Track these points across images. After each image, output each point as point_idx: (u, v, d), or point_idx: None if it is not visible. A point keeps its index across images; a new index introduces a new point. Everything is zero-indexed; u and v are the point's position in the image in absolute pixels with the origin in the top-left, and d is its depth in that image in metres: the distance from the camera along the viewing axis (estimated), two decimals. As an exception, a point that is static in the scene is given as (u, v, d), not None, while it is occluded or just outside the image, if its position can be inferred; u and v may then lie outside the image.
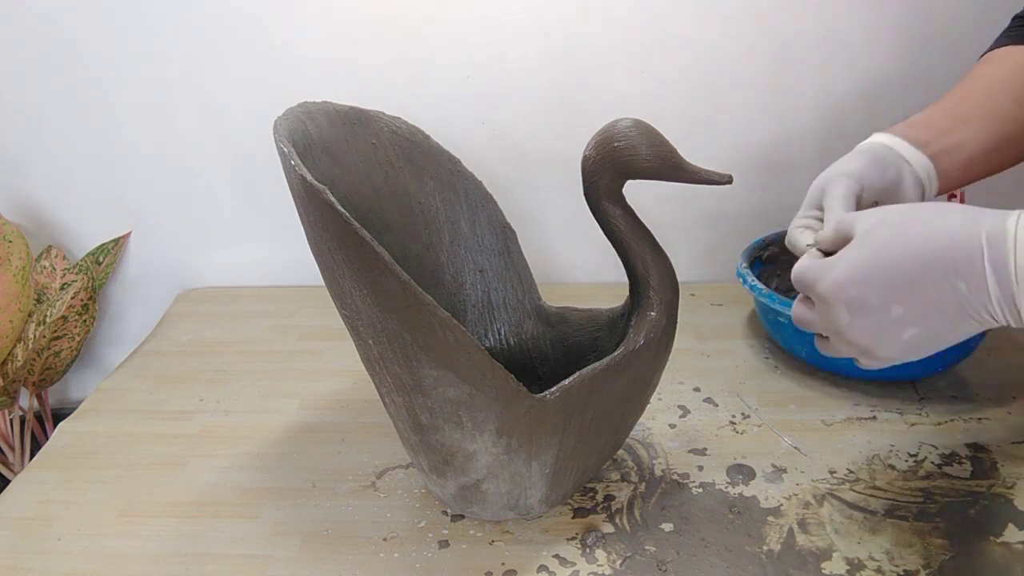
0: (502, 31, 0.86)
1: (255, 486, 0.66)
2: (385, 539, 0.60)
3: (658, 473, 0.65)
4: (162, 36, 0.88)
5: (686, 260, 0.98)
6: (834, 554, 0.57)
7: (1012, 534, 0.58)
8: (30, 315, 0.90)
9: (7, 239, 0.88)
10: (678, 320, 0.58)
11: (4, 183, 0.98)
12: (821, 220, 0.56)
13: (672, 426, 0.71)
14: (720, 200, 0.94)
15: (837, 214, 0.52)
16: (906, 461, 0.66)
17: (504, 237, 0.69)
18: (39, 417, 1.01)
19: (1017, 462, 0.65)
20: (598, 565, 0.57)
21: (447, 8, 0.85)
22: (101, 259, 0.98)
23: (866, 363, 0.50)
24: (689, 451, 0.68)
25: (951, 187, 0.62)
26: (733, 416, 0.72)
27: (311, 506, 0.64)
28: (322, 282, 0.53)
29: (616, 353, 0.55)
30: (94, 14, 0.87)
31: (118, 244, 0.99)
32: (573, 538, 0.59)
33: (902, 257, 0.44)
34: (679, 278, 0.58)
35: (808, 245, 0.54)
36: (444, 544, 0.59)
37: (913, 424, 0.70)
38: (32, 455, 0.75)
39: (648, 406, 0.64)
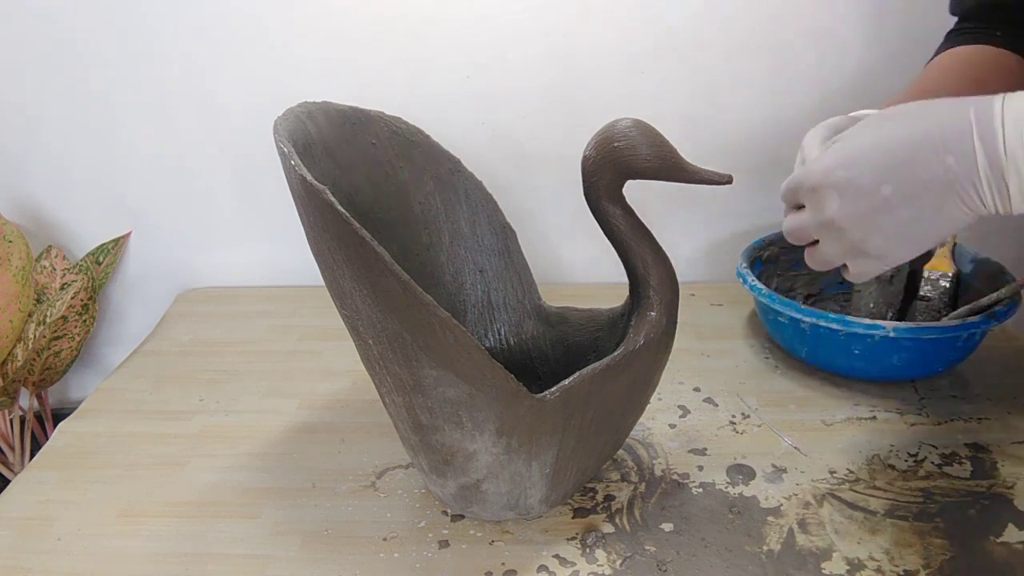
0: (502, 31, 0.86)
1: (255, 486, 0.66)
2: (385, 539, 0.60)
3: (658, 473, 0.65)
4: (162, 36, 0.88)
5: (686, 260, 0.98)
6: (834, 554, 0.57)
7: (1012, 534, 0.58)
8: (30, 315, 0.90)
9: (7, 239, 0.88)
10: (678, 320, 0.58)
11: (4, 183, 0.98)
12: None
13: (672, 426, 0.71)
14: (720, 200, 0.94)
15: (816, 152, 0.52)
16: (906, 461, 0.66)
17: (504, 237, 0.69)
18: (39, 417, 1.01)
19: (1017, 462, 0.65)
20: (598, 565, 0.57)
21: (447, 8, 0.85)
22: (101, 259, 0.98)
23: (855, 268, 0.49)
24: (689, 451, 0.68)
25: None
26: (733, 416, 0.72)
27: (311, 506, 0.64)
28: (322, 282, 0.53)
29: (616, 353, 0.55)
30: (94, 14, 0.87)
31: (118, 244, 0.99)
32: (573, 538, 0.59)
33: (891, 138, 0.44)
34: (679, 278, 0.58)
35: None
36: (444, 544, 0.59)
37: (913, 424, 0.70)
38: (32, 455, 0.75)
39: (648, 406, 0.64)
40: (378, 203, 0.64)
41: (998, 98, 0.42)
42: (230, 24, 0.87)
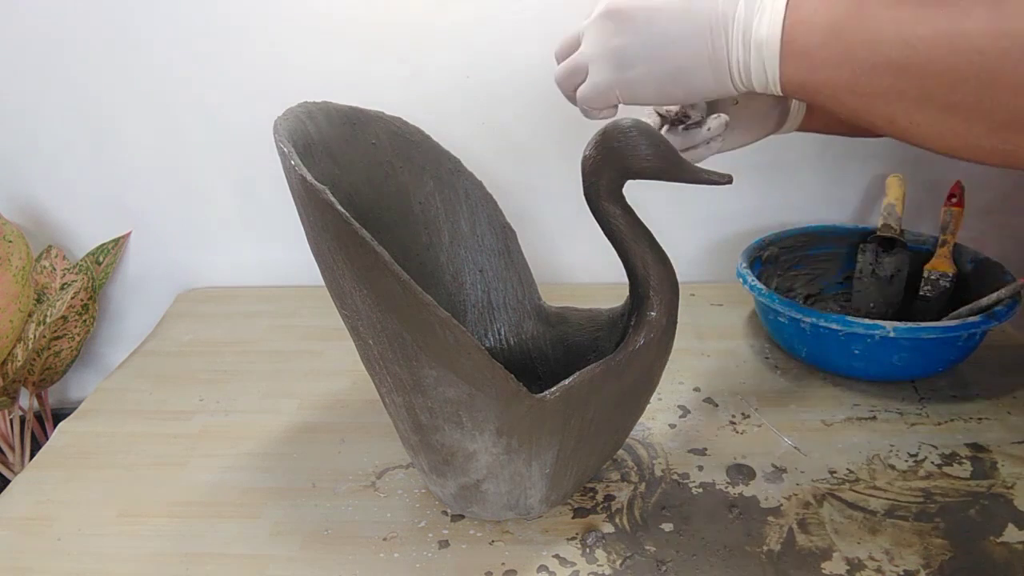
0: (502, 31, 0.86)
1: (255, 486, 0.66)
2: (385, 539, 0.60)
3: (658, 473, 0.65)
4: (162, 36, 0.88)
5: (686, 260, 0.98)
6: (834, 554, 0.57)
7: (1012, 534, 0.58)
8: (30, 315, 0.90)
9: (7, 239, 0.88)
10: (678, 320, 0.58)
11: (4, 183, 0.98)
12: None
13: (672, 426, 0.71)
14: (720, 200, 0.94)
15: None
16: (906, 461, 0.66)
17: (504, 237, 0.69)
18: (39, 417, 1.01)
19: (1017, 462, 0.65)
20: (598, 565, 0.57)
21: (447, 8, 0.85)
22: (101, 259, 0.98)
23: (598, 77, 0.50)
24: (689, 451, 0.68)
25: (812, 123, 0.65)
26: (733, 416, 0.72)
27: (311, 506, 0.64)
28: (322, 282, 0.53)
29: (616, 353, 0.55)
30: (94, 14, 0.87)
31: (118, 244, 0.99)
32: (573, 538, 0.59)
33: None
34: (679, 278, 0.58)
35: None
36: (444, 544, 0.59)
37: (913, 424, 0.70)
38: (32, 455, 0.75)
39: (648, 406, 0.64)
40: (378, 203, 0.64)
41: None
42: (230, 24, 0.87)
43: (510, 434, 0.53)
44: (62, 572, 0.58)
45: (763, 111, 0.61)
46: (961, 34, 0.39)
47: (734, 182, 0.53)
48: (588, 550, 0.58)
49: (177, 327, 0.92)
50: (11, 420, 0.95)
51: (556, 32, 0.88)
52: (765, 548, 0.57)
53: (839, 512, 0.61)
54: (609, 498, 0.63)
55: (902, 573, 0.55)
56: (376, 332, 0.50)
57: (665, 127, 0.58)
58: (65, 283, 0.95)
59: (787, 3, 0.44)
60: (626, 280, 0.58)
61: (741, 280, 0.79)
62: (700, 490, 0.63)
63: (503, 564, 0.57)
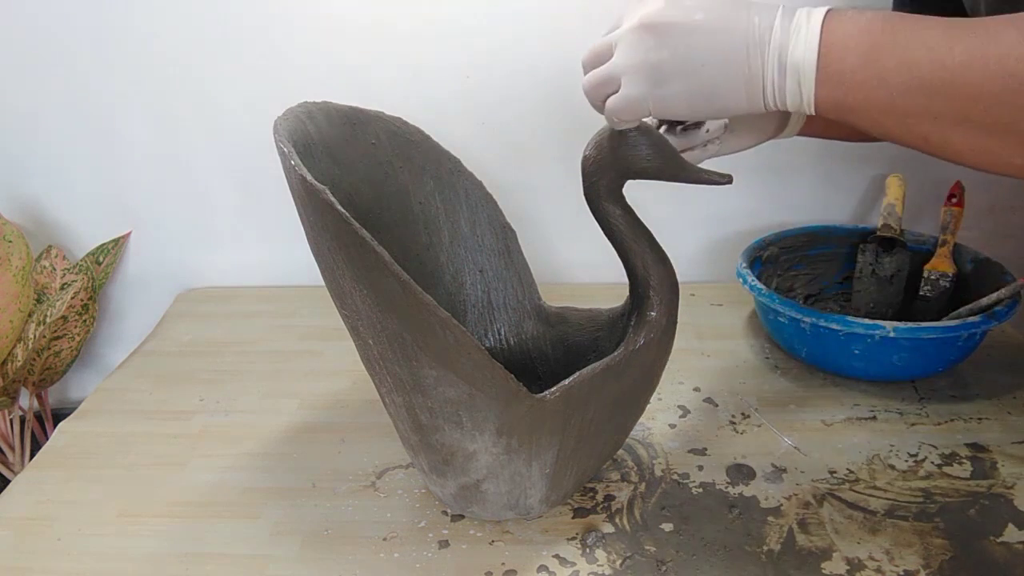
0: (502, 31, 0.86)
1: (255, 486, 0.66)
2: (385, 539, 0.60)
3: (658, 473, 0.65)
4: (162, 36, 0.88)
5: (686, 260, 0.98)
6: (834, 554, 0.57)
7: (1012, 534, 0.58)
8: (30, 315, 0.90)
9: (7, 239, 0.88)
10: (678, 320, 0.58)
11: (4, 183, 0.98)
12: None
13: (672, 426, 0.71)
14: (720, 200, 0.94)
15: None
16: (906, 461, 0.66)
17: (504, 237, 0.69)
18: (39, 417, 1.01)
19: (1017, 462, 0.65)
20: (598, 565, 0.57)
21: (447, 8, 0.85)
22: (101, 259, 0.98)
23: (635, 106, 0.49)
24: (689, 451, 0.68)
25: (811, 129, 0.65)
26: (733, 416, 0.72)
27: (311, 506, 0.64)
28: (322, 282, 0.53)
29: (616, 353, 0.55)
30: (94, 14, 0.87)
31: (118, 244, 0.99)
32: (573, 538, 0.59)
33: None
34: (679, 278, 0.58)
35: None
36: (444, 544, 0.59)
37: (913, 424, 0.70)
38: (32, 455, 0.75)
39: (648, 406, 0.64)
40: (378, 203, 0.64)
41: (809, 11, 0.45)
42: (230, 24, 0.87)
43: (510, 434, 0.53)
44: (62, 572, 0.58)
45: (763, 116, 0.61)
46: (993, 57, 0.39)
47: (734, 182, 0.53)
48: (588, 550, 0.58)
49: (177, 327, 0.92)
50: (11, 420, 0.95)
51: (557, 32, 0.89)
52: (765, 548, 0.57)
53: (839, 512, 0.60)
54: (609, 498, 0.63)
55: (902, 573, 0.55)
56: (376, 332, 0.50)
57: (663, 128, 0.57)
58: (65, 283, 0.95)
59: (823, 26, 0.44)
60: (626, 280, 0.58)
61: (741, 280, 0.79)
62: (700, 490, 0.63)
63: (503, 564, 0.57)
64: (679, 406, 0.74)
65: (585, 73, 0.51)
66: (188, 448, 0.71)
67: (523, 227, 0.71)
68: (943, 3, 0.61)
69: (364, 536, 0.60)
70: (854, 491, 0.63)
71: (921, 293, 0.81)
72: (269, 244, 1.00)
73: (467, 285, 0.69)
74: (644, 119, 0.51)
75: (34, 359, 0.91)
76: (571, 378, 0.53)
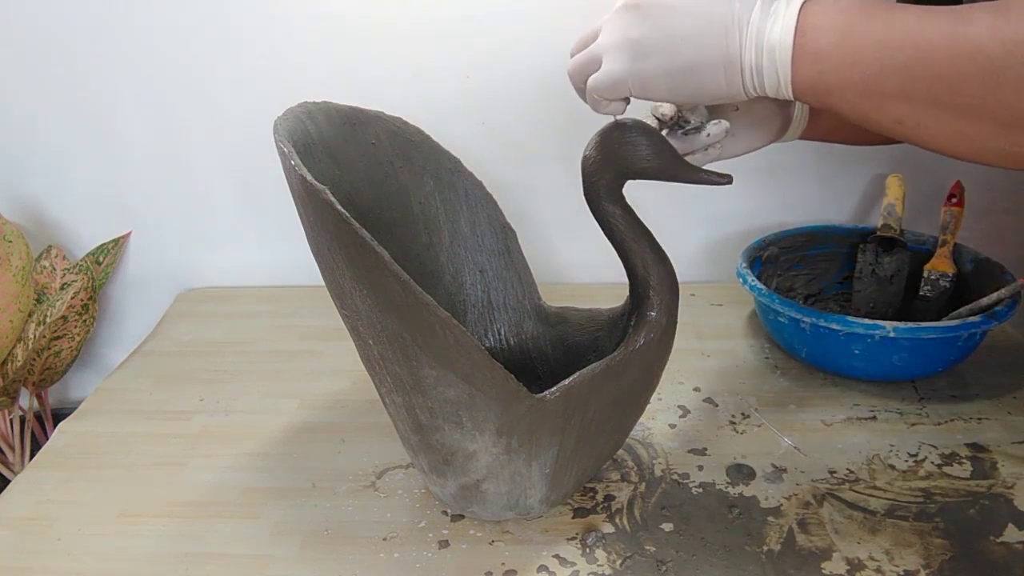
0: (502, 31, 0.86)
1: (255, 486, 0.66)
2: (385, 539, 0.60)
3: (658, 473, 0.65)
4: (162, 36, 0.88)
5: (686, 260, 0.98)
6: (834, 554, 0.57)
7: (1012, 534, 0.58)
8: (30, 315, 0.90)
9: (7, 239, 0.88)
10: (678, 320, 0.58)
11: (4, 183, 0.98)
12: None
13: (672, 426, 0.71)
14: (720, 200, 0.94)
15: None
16: (906, 461, 0.66)
17: (504, 237, 0.69)
18: (39, 417, 1.01)
19: (1017, 462, 0.65)
20: (598, 565, 0.57)
21: (447, 8, 0.85)
22: (101, 259, 0.98)
23: (615, 82, 0.50)
24: (689, 451, 0.68)
25: (814, 131, 0.65)
26: (733, 416, 0.72)
27: (311, 506, 0.64)
28: (322, 282, 0.53)
29: (616, 353, 0.55)
30: (93, 14, 0.87)
31: (118, 244, 0.99)
32: (573, 538, 0.59)
33: None
34: (679, 278, 0.58)
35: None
36: (444, 544, 0.59)
37: (913, 424, 0.70)
38: (32, 455, 0.75)
39: (648, 406, 0.64)
40: (378, 203, 0.64)
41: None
42: (230, 24, 0.87)
43: (510, 434, 0.53)
44: (62, 572, 0.58)
45: (764, 118, 0.61)
46: (966, 37, 0.40)
47: (734, 182, 0.53)
48: (588, 550, 0.58)
49: (177, 327, 0.92)
50: (11, 420, 0.95)
51: (556, 32, 0.89)
52: (765, 548, 0.57)
53: (839, 512, 0.61)
54: (609, 498, 0.63)
55: (902, 573, 0.55)
56: (376, 332, 0.50)
57: (664, 131, 0.57)
58: (65, 283, 0.95)
59: (800, 8, 0.45)
60: (626, 280, 0.58)
61: (741, 280, 0.79)
62: (700, 490, 0.63)
63: (503, 564, 0.57)
64: (679, 406, 0.74)
65: (573, 51, 0.53)
66: (188, 448, 0.71)
67: (523, 227, 0.71)
68: None
69: (364, 536, 0.60)
70: (854, 491, 0.63)
71: (921, 293, 0.81)
72: (269, 244, 1.00)
73: (467, 285, 0.69)
74: (622, 97, 0.52)
75: (34, 359, 0.91)
76: (571, 378, 0.53)
